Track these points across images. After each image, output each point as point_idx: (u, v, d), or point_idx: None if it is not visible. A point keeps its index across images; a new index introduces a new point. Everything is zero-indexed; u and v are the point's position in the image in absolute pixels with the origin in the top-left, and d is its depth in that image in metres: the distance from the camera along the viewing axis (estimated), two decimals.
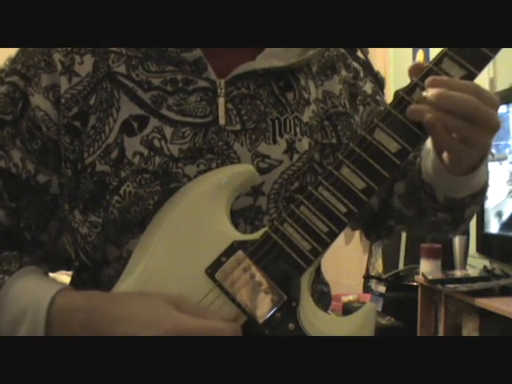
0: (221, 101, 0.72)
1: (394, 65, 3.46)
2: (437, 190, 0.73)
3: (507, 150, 2.05)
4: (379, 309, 2.44)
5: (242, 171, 0.70)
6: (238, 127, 0.72)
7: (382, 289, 2.53)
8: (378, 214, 0.84)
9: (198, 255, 0.66)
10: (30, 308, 0.63)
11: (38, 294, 0.64)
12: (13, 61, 0.73)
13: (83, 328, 0.61)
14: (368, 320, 0.65)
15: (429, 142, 0.70)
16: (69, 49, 0.71)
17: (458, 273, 2.23)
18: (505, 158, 2.05)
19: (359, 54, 0.85)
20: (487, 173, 0.73)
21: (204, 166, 0.71)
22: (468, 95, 0.61)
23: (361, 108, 0.82)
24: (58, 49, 0.71)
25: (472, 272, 2.20)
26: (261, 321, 0.63)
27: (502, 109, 2.01)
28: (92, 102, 0.70)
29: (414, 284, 2.42)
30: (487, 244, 2.24)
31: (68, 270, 0.83)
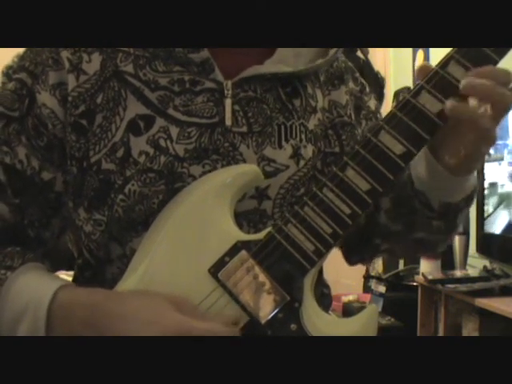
0: (228, 102, 0.72)
1: (394, 65, 3.45)
2: (431, 197, 0.72)
3: (506, 151, 2.05)
4: (379, 309, 2.44)
5: (247, 171, 0.70)
6: (244, 129, 0.72)
7: (381, 289, 2.53)
8: (363, 232, 0.83)
9: (201, 254, 0.66)
10: (31, 304, 0.63)
11: (40, 290, 0.64)
12: (21, 58, 0.73)
13: (84, 324, 0.61)
14: (370, 322, 0.65)
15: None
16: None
17: (458, 273, 2.23)
18: (502, 159, 2.05)
19: (359, 53, 0.85)
20: (475, 174, 0.74)
21: (209, 167, 0.71)
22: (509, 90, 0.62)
23: (364, 122, 0.82)
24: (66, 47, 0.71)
25: (472, 272, 2.20)
26: (263, 321, 0.63)
27: None
28: (99, 100, 0.71)
29: (414, 284, 2.42)
30: (487, 244, 2.24)
31: (68, 269, 0.83)
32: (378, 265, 2.95)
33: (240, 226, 0.70)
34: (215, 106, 0.72)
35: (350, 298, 2.77)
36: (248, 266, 0.65)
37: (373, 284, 2.65)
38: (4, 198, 0.72)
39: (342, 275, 3.32)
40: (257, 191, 0.72)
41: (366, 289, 2.91)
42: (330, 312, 0.82)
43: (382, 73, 0.89)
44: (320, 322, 0.64)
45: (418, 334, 2.33)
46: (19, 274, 0.66)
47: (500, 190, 2.11)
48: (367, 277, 2.95)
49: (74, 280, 0.79)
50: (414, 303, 2.36)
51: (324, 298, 0.83)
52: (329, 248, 0.65)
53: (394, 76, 3.38)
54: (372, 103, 0.84)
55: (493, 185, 2.14)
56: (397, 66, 3.41)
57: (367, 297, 2.71)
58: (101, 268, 0.75)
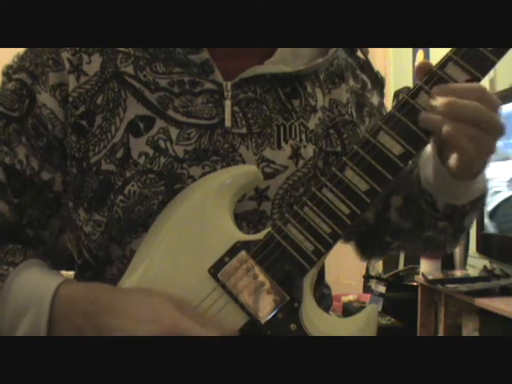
0: (227, 103, 0.72)
1: (394, 65, 3.46)
2: (437, 198, 0.73)
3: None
4: (379, 309, 2.44)
5: (246, 172, 0.70)
6: (244, 130, 0.73)
7: (381, 289, 2.53)
8: (374, 230, 0.84)
9: (201, 255, 0.66)
10: (33, 299, 0.63)
11: (42, 286, 0.64)
12: (21, 58, 0.74)
13: (85, 318, 0.61)
14: (370, 321, 0.65)
15: (428, 150, 0.71)
16: (77, 48, 0.71)
17: (458, 273, 2.23)
18: (507, 158, 2.05)
19: (359, 53, 0.85)
20: (486, 179, 0.74)
21: (209, 168, 0.71)
22: (474, 102, 0.62)
23: (367, 120, 0.82)
24: (67, 48, 0.71)
25: (472, 272, 2.20)
26: (263, 321, 0.63)
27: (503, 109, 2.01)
28: (99, 101, 0.71)
29: (414, 284, 2.42)
30: (487, 244, 2.24)
31: (68, 269, 0.83)
32: (378, 265, 2.96)
33: (239, 227, 0.70)
34: (215, 107, 0.72)
35: (350, 298, 2.77)
36: (248, 266, 0.65)
37: (373, 284, 2.65)
38: (4, 197, 0.72)
39: (342, 275, 3.33)
40: (256, 192, 0.72)
41: (366, 289, 2.92)
42: (330, 312, 0.82)
43: (382, 73, 0.89)
44: (320, 322, 0.64)
45: (418, 334, 2.33)
46: (21, 269, 0.67)
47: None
48: (367, 277, 2.95)
49: None
50: (414, 303, 2.36)
51: (324, 298, 0.83)
52: (328, 248, 0.65)
53: (394, 76, 3.39)
54: (375, 99, 0.84)
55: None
56: (397, 66, 3.41)
57: (367, 297, 2.71)
58: (101, 269, 0.75)
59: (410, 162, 0.67)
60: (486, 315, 1.95)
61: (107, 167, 0.70)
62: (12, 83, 0.72)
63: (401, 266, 2.71)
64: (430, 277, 2.16)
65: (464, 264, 2.40)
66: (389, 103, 2.83)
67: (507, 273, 2.06)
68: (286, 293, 0.64)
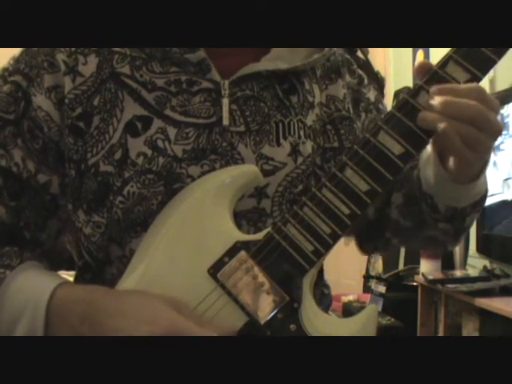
0: (225, 101, 0.72)
1: (393, 65, 3.46)
2: (438, 200, 0.73)
3: None
4: (379, 309, 2.44)
5: (246, 171, 0.70)
6: (242, 128, 0.72)
7: (381, 289, 2.53)
8: (374, 225, 0.83)
9: (200, 255, 0.66)
10: (30, 302, 0.63)
11: (39, 289, 0.64)
12: (16, 60, 0.73)
13: (82, 320, 0.61)
14: (370, 321, 0.65)
15: (428, 151, 0.71)
16: (73, 49, 0.71)
17: (458, 273, 2.23)
18: None
19: (359, 53, 0.85)
20: (486, 181, 0.74)
21: (208, 167, 0.71)
22: (473, 101, 0.62)
23: (363, 115, 0.82)
24: (62, 49, 0.71)
25: (472, 272, 2.20)
26: (262, 321, 0.63)
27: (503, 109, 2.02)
28: (96, 102, 0.71)
29: (414, 284, 2.42)
30: (487, 244, 2.24)
31: (68, 270, 0.83)
32: (378, 265, 2.96)
33: (239, 225, 0.70)
34: (212, 105, 0.72)
35: (350, 298, 2.77)
36: (247, 267, 0.65)
37: (373, 284, 2.65)
38: (0, 200, 0.72)
39: (342, 275, 3.33)
40: (256, 190, 0.72)
41: (366, 289, 2.92)
42: (329, 312, 0.82)
43: (382, 73, 0.89)
44: (319, 322, 0.64)
45: (418, 334, 2.34)
46: (18, 272, 0.66)
47: None
48: (367, 277, 2.95)
49: (74, 282, 0.78)
50: (414, 303, 2.36)
51: (324, 298, 0.83)
52: (328, 248, 0.65)
53: (394, 76, 3.39)
54: (371, 94, 0.84)
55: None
56: (397, 66, 3.41)
57: (367, 297, 2.71)
58: (100, 269, 0.75)
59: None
60: (485, 315, 1.95)
61: (105, 168, 0.70)
62: (7, 86, 0.72)
63: (401, 266, 2.71)
64: (430, 277, 2.16)
65: (464, 264, 2.41)
66: (389, 103, 2.83)
67: (507, 273, 2.06)
68: (285, 293, 0.64)
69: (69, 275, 0.80)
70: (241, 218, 0.72)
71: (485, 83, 2.24)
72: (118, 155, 0.70)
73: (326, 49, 0.77)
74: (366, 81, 0.84)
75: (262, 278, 0.64)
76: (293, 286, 0.64)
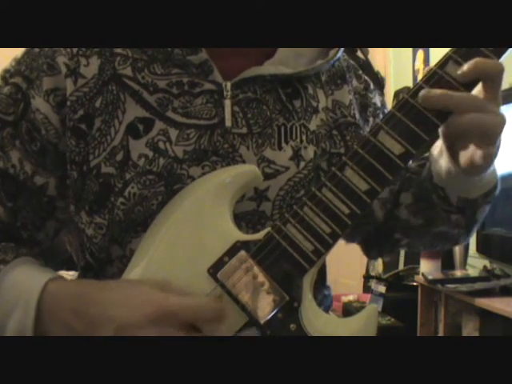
0: (227, 103, 0.72)
1: (393, 65, 3.46)
2: (450, 192, 0.73)
3: None
4: (379, 309, 2.44)
5: (246, 171, 0.70)
6: (244, 130, 0.72)
7: (381, 289, 2.53)
8: (383, 228, 0.84)
9: (200, 254, 0.66)
10: (21, 297, 0.64)
11: (30, 284, 0.64)
12: (18, 62, 0.74)
13: (74, 313, 0.61)
14: (370, 321, 0.65)
15: (439, 146, 0.71)
16: (74, 52, 0.71)
17: (458, 273, 2.24)
18: None
19: (359, 53, 0.85)
20: (496, 172, 0.74)
21: (209, 168, 0.71)
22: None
23: (371, 120, 0.82)
24: (63, 52, 0.71)
25: (472, 272, 2.20)
26: (262, 321, 0.63)
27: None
28: (98, 104, 0.71)
29: (414, 284, 2.42)
30: (487, 244, 2.24)
31: (68, 270, 0.83)
32: (378, 265, 2.96)
33: (238, 227, 0.70)
34: (214, 107, 0.72)
35: (350, 298, 2.77)
36: (247, 266, 0.65)
37: (373, 284, 2.65)
38: None
39: (342, 275, 3.33)
40: (256, 193, 0.72)
41: (366, 289, 2.92)
42: (329, 312, 0.82)
43: (382, 73, 0.89)
44: (319, 322, 0.64)
45: (418, 334, 2.34)
46: (12, 267, 0.67)
47: None
48: (367, 277, 2.95)
49: None
50: (414, 303, 2.36)
51: (324, 298, 0.83)
52: (328, 248, 0.65)
53: (394, 76, 3.39)
54: (377, 99, 0.84)
55: None
56: (397, 66, 3.41)
57: (367, 297, 2.72)
58: (101, 269, 0.75)
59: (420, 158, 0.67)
60: (485, 315, 1.96)
61: (107, 170, 0.70)
62: (8, 87, 0.72)
63: (401, 266, 2.71)
64: (430, 277, 2.16)
65: (464, 264, 2.41)
66: (389, 103, 2.83)
67: (507, 273, 2.06)
68: (285, 293, 0.64)
69: (69, 275, 0.80)
70: (240, 220, 0.72)
71: None
72: (119, 157, 0.70)
73: (330, 55, 0.77)
74: (371, 86, 0.84)
75: (261, 277, 0.64)
76: (293, 286, 0.64)
